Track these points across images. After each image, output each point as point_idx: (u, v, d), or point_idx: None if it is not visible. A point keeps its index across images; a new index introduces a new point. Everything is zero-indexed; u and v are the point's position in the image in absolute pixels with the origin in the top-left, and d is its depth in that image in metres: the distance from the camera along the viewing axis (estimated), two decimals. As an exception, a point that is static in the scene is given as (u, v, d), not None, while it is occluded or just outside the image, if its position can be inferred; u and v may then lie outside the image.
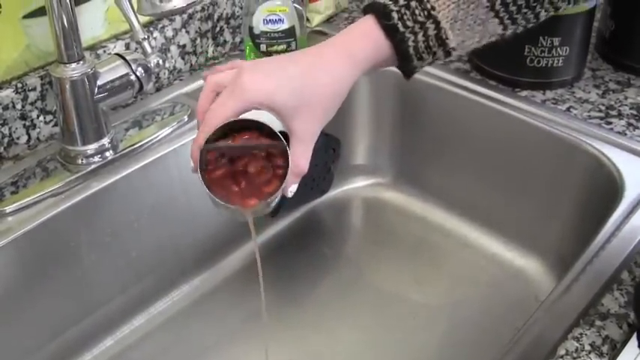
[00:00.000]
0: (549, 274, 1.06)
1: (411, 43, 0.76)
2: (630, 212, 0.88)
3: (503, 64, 1.11)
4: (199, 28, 1.12)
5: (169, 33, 1.08)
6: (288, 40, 1.10)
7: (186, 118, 1.03)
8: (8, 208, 0.89)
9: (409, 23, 0.76)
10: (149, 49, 0.95)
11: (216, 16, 1.14)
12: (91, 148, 0.94)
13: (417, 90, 1.12)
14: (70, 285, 0.94)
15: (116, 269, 0.98)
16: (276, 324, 1.01)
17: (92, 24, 1.01)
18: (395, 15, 0.76)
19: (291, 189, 0.76)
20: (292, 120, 0.74)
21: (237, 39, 1.18)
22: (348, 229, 1.20)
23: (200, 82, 1.12)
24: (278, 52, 1.10)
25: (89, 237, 0.94)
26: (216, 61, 1.17)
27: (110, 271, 0.98)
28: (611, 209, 0.89)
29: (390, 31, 0.77)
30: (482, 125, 1.08)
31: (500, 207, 1.11)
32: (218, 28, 1.15)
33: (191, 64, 1.14)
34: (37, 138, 0.98)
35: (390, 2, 0.77)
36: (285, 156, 0.74)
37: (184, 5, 0.75)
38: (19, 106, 0.95)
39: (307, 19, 1.23)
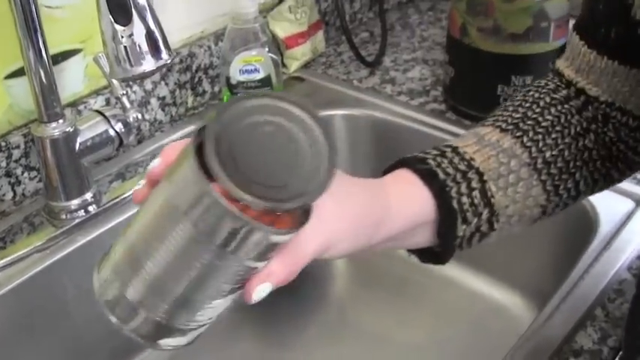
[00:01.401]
0: (530, 309, 1.08)
1: (454, 194, 0.64)
2: (604, 248, 0.90)
3: (476, 103, 1.13)
4: (178, 79, 1.14)
5: (149, 86, 1.10)
6: (264, 88, 1.12)
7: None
8: (-6, 265, 0.91)
9: (449, 170, 0.65)
10: (128, 105, 0.98)
11: (194, 67, 1.17)
12: (75, 203, 0.96)
13: (393, 131, 1.14)
14: (59, 339, 0.95)
15: (105, 321, 0.99)
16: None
17: (72, 81, 1.03)
18: (431, 162, 0.65)
19: (264, 287, 0.54)
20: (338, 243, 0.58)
21: (217, 88, 1.21)
22: (332, 269, 1.21)
23: (180, 132, 1.15)
24: (256, 101, 1.11)
25: (76, 291, 0.96)
26: (195, 111, 1.19)
27: (99, 323, 0.98)
28: (585, 245, 0.91)
29: (428, 177, 0.64)
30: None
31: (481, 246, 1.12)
32: (197, 79, 1.18)
33: (171, 115, 1.16)
34: (23, 194, 1.00)
35: (421, 153, 0.67)
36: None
37: (154, 68, 0.77)
38: (3, 164, 0.97)
39: (284, 65, 1.25)
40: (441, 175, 0.64)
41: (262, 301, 1.09)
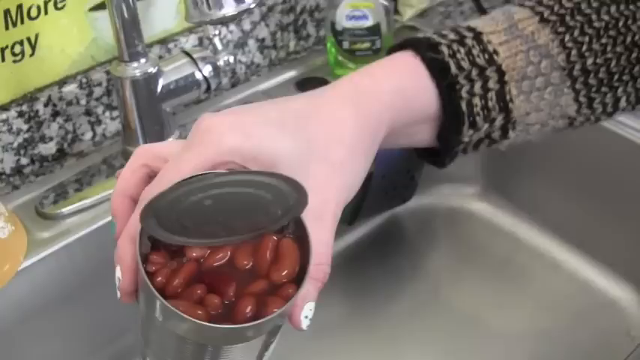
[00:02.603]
0: (644, 307, 0.96)
1: (464, 94, 0.54)
2: None
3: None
4: (280, 20, 1.06)
5: (247, 26, 1.02)
6: (372, 37, 1.02)
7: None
8: (66, 210, 0.86)
9: (464, 64, 0.55)
10: (219, 46, 0.91)
11: (298, 9, 1.07)
12: (155, 148, 0.90)
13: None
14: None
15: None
16: (344, 339, 0.96)
17: (163, 16, 0.96)
18: (445, 49, 0.55)
19: (306, 311, 0.47)
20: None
21: (322, 33, 1.12)
22: (430, 240, 1.12)
23: (280, 77, 1.07)
24: (361, 51, 1.02)
25: None
26: (297, 56, 1.10)
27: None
28: None
29: (437, 69, 0.55)
30: (582, 140, 0.98)
31: (595, 229, 1.01)
32: (300, 21, 1.09)
33: (270, 59, 1.08)
34: (103, 134, 0.95)
35: (435, 35, 0.57)
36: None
37: (235, 13, 0.69)
38: (83, 102, 0.91)
39: (398, 12, 1.15)
40: (453, 69, 0.55)
41: (351, 269, 1.04)
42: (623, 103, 0.59)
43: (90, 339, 0.88)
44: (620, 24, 0.57)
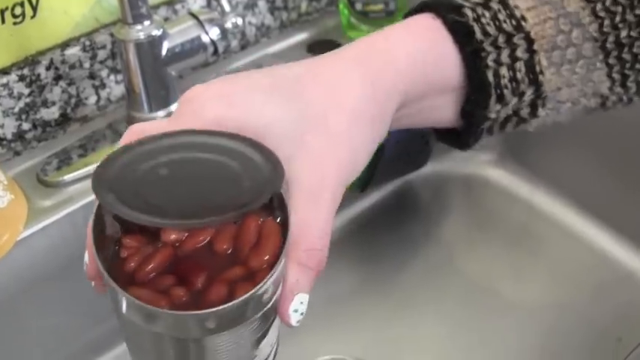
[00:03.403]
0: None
1: (491, 63, 0.50)
2: None
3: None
4: (291, -19, 1.02)
5: (257, -14, 0.99)
6: (392, -1, 0.98)
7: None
8: (69, 177, 0.84)
9: (490, 30, 0.51)
10: (227, 8, 0.88)
11: (310, -32, 1.04)
12: (159, 115, 0.87)
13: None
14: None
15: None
16: (355, 307, 0.94)
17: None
18: (468, 12, 0.51)
19: (296, 304, 0.42)
20: (292, 159, 0.44)
21: (334, -7, 1.08)
22: (444, 208, 1.09)
23: (291, 40, 1.04)
24: (375, 13, 0.99)
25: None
26: (310, 17, 1.07)
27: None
28: None
29: (461, 33, 0.50)
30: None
31: (616, 199, 0.98)
32: (312, -19, 1.05)
33: (281, 21, 1.04)
34: (108, 98, 0.92)
35: None
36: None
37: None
38: (87, 65, 0.88)
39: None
40: (479, 35, 0.50)
41: (364, 236, 1.02)
42: None
43: (93, 310, 0.86)
44: None
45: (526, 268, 0.98)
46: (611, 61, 0.53)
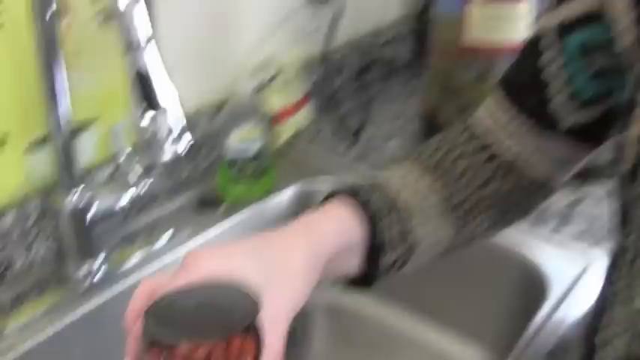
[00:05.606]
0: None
1: (382, 227, 0.74)
2: (553, 309, 0.98)
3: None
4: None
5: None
6: (258, 160, 1.22)
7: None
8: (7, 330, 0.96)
9: (379, 204, 0.75)
10: (133, 178, 1.10)
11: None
12: (85, 269, 1.05)
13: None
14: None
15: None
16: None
17: (84, 151, 1.10)
18: (364, 195, 0.75)
19: None
20: (260, 296, 0.61)
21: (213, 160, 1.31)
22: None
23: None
24: (248, 174, 1.22)
25: (86, 356, 1.02)
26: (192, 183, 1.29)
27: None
28: (537, 307, 0.99)
29: (362, 207, 0.73)
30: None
31: (449, 303, 1.18)
32: (193, 151, 1.27)
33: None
34: (35, 259, 1.08)
35: (356, 185, 0.76)
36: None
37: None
38: (17, 231, 1.04)
39: (275, 138, 1.35)
40: (373, 207, 0.73)
41: None
42: (486, 224, 0.80)
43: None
44: (471, 171, 0.79)
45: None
46: (455, 214, 0.78)
